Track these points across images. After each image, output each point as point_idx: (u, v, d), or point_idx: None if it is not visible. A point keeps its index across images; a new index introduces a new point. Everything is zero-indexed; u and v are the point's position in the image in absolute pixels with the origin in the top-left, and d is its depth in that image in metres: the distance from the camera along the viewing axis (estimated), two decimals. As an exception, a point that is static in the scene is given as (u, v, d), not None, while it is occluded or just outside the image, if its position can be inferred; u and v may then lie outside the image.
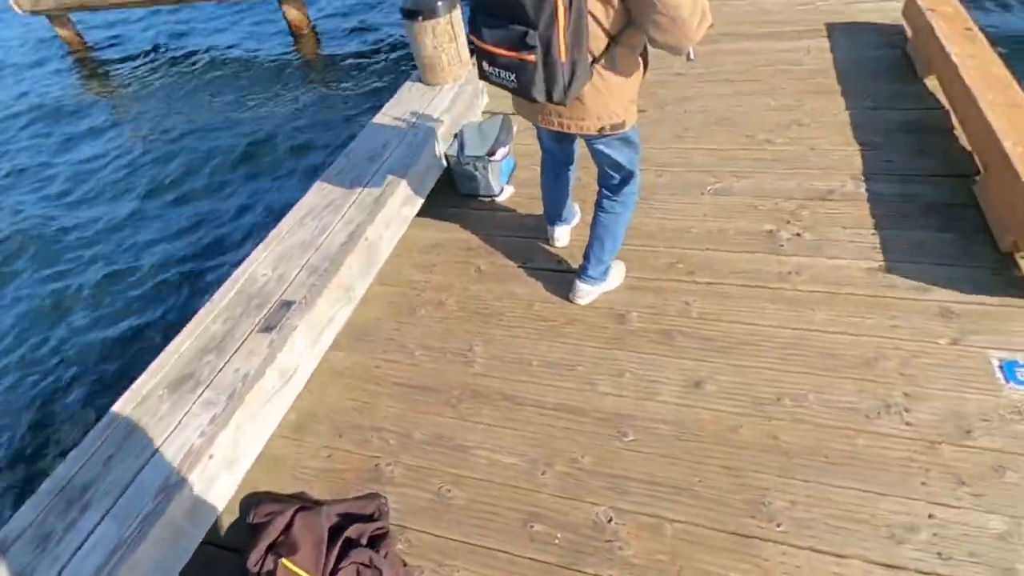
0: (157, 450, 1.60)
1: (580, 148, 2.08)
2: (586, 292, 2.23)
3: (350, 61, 6.78)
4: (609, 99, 1.68)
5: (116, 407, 1.75)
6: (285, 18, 7.56)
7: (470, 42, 1.64)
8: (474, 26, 1.56)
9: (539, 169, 2.28)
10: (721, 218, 2.48)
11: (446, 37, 2.92)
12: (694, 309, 2.14)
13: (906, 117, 2.79)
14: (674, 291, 2.23)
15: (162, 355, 1.88)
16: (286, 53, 7.38)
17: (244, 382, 1.75)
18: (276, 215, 4.34)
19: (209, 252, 4.14)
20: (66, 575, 1.37)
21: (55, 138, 6.28)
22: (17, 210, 5.02)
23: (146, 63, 7.83)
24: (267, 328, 1.90)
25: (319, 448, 1.97)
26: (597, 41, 1.54)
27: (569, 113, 1.73)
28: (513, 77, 1.54)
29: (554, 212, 2.40)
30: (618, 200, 2.02)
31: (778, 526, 1.55)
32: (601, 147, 1.87)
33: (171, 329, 3.44)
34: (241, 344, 1.87)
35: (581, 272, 2.21)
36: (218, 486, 1.64)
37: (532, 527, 1.66)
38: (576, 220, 2.54)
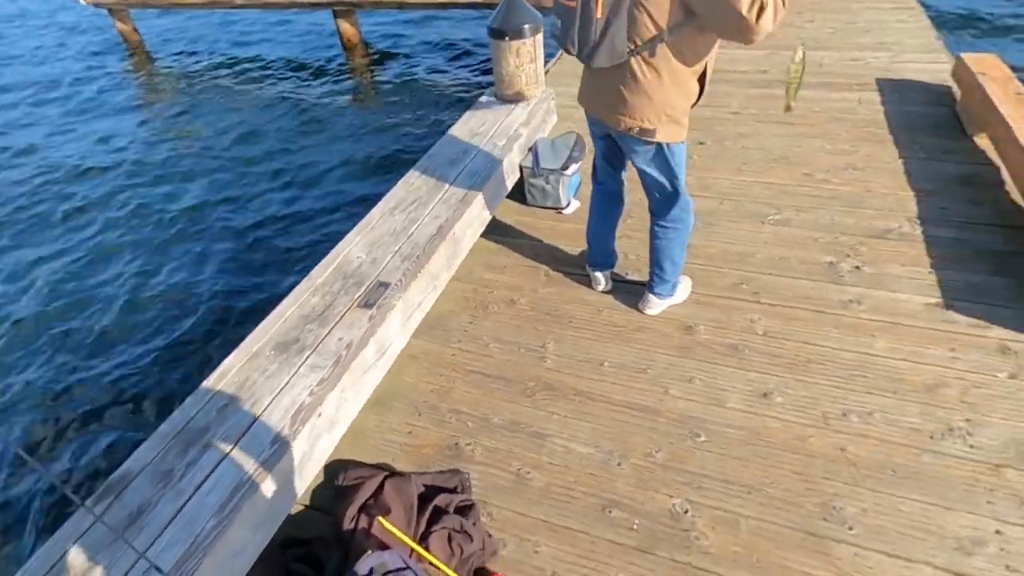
0: (270, 403, 1.70)
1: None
2: (655, 304, 2.35)
3: (398, 77, 7.05)
4: (644, 101, 1.79)
5: (227, 362, 1.86)
6: (338, 31, 7.87)
7: None
8: None
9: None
10: (783, 247, 2.62)
11: (528, 57, 3.11)
12: (759, 327, 2.26)
13: (958, 170, 2.94)
14: (739, 309, 2.35)
15: (267, 320, 2.00)
16: (339, 64, 7.67)
17: (348, 351, 1.86)
18: (338, 211, 4.51)
19: (281, 244, 4.31)
20: (189, 508, 1.46)
21: (126, 126, 6.50)
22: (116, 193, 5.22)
23: (198, 62, 8.13)
24: (367, 304, 2.02)
25: (400, 424, 2.07)
26: (642, 29, 1.66)
27: (610, 102, 1.85)
28: (560, 23, 1.75)
29: (597, 254, 2.45)
30: (666, 225, 2.14)
31: (850, 529, 1.63)
32: (643, 165, 1.99)
33: (266, 300, 3.58)
34: (341, 317, 1.99)
35: (649, 287, 2.33)
36: (321, 444, 1.74)
37: (610, 512, 1.75)
38: (616, 265, 2.55)
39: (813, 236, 2.66)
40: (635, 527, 1.70)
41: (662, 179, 2.00)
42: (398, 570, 1.53)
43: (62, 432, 3.04)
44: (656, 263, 2.24)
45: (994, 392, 1.94)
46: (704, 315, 2.34)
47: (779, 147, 3.30)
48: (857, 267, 2.47)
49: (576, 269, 2.63)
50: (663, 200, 2.08)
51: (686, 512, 1.72)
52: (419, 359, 2.30)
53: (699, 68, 1.79)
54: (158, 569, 1.27)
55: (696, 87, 1.84)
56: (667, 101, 1.80)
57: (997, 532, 1.59)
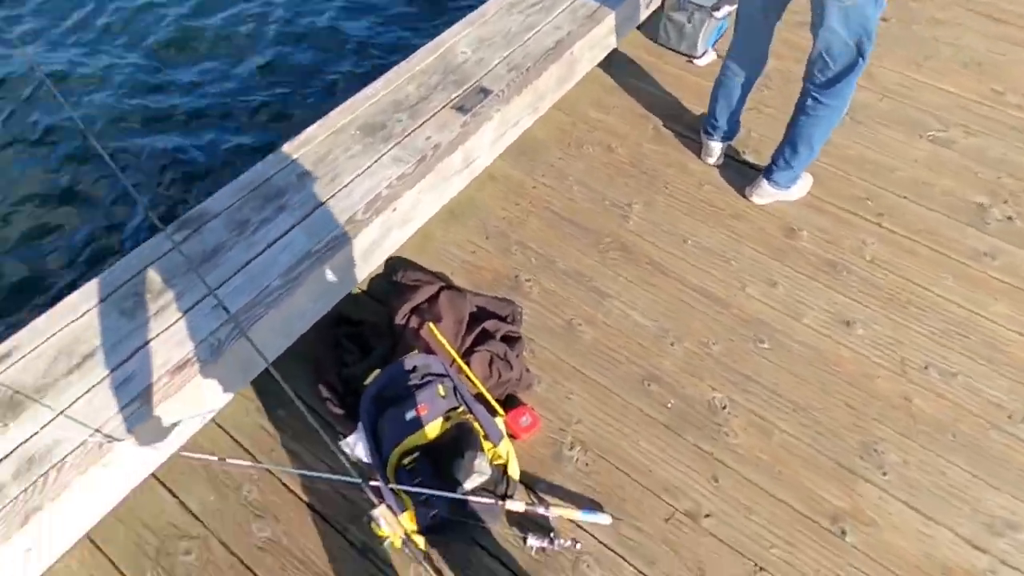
0: (349, 184, 1.65)
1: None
2: (766, 193, 2.11)
3: None
4: None
5: (310, 131, 1.79)
6: None
7: None
8: None
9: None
10: (932, 171, 2.25)
11: None
12: (869, 251, 2.03)
13: None
14: (853, 226, 2.10)
15: (356, 98, 1.88)
16: None
17: (434, 152, 1.75)
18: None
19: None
20: (260, 261, 1.50)
21: None
22: None
23: None
24: (462, 108, 1.86)
25: (465, 240, 2.03)
26: None
27: None
28: None
29: (718, 120, 2.13)
30: (826, 101, 1.82)
31: (884, 474, 1.60)
32: (836, 22, 1.63)
33: (355, 78, 3.35)
34: (434, 115, 1.84)
35: (767, 172, 2.08)
36: (391, 237, 1.72)
37: (649, 386, 1.74)
38: (736, 139, 2.25)
39: (973, 168, 2.27)
40: (669, 406, 1.71)
41: (851, 42, 1.65)
42: (438, 375, 1.59)
43: (149, 153, 3.14)
44: (791, 144, 1.96)
45: (1102, 394, 1.75)
46: (813, 221, 2.11)
47: (977, 48, 2.69)
48: (1010, 217, 2.13)
49: (689, 131, 2.35)
50: (839, 68, 1.74)
51: (724, 408, 1.70)
52: (499, 181, 2.19)
53: None
54: (225, 309, 1.33)
55: None
56: None
57: (1035, 524, 1.54)
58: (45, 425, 1.22)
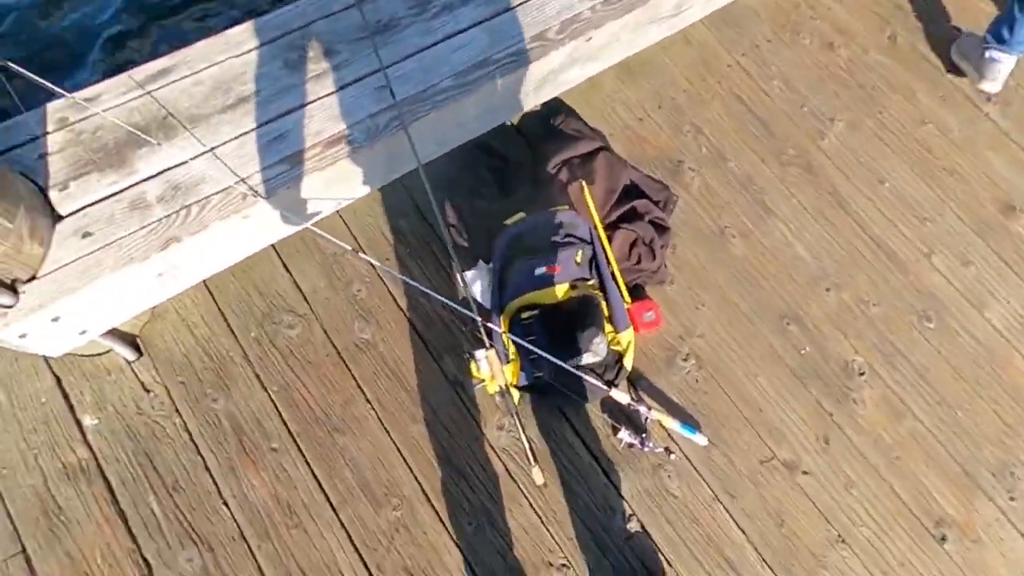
0: (545, -7, 1.40)
1: None
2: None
3: None
4: None
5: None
6: None
7: None
8: None
9: None
10: None
11: None
12: (1094, 262, 1.70)
13: None
14: (1088, 227, 1.74)
15: None
16: None
17: (649, -15, 1.45)
18: None
19: None
20: (435, 53, 1.32)
21: None
22: None
23: None
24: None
25: (636, 103, 1.79)
26: None
27: None
28: None
29: (1008, 32, 1.68)
30: None
31: (1011, 499, 1.44)
32: None
33: None
34: (661, -65, 1.51)
35: None
36: (570, 72, 1.50)
37: (788, 325, 1.57)
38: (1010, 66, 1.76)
39: None
40: (803, 352, 1.55)
41: None
42: (582, 240, 1.46)
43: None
44: None
45: None
46: (1040, 206, 1.76)
47: None
48: None
49: (932, 53, 1.92)
50: None
51: (862, 374, 1.53)
52: (693, 47, 1.87)
53: None
54: (392, 93, 1.18)
55: None
56: None
57: None
58: (195, 157, 1.15)
